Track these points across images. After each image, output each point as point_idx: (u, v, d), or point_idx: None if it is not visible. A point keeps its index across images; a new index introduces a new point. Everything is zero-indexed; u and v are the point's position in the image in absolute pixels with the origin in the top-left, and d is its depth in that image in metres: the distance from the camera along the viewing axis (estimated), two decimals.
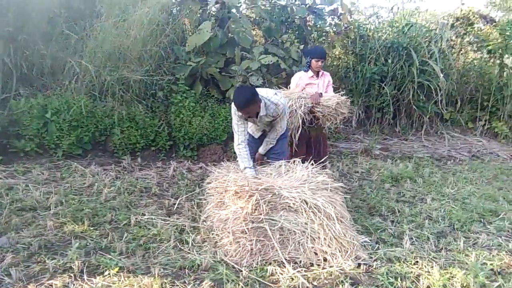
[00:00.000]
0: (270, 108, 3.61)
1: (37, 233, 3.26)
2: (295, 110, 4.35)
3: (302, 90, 4.57)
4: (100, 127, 5.21)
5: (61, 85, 5.46)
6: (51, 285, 2.61)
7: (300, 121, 4.36)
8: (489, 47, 8.16)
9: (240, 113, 3.56)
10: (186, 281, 2.79)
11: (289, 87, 4.73)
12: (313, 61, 4.52)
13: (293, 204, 3.21)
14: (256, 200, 3.14)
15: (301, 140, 4.48)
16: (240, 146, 3.68)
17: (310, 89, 4.57)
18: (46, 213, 3.61)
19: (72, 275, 2.75)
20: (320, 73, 4.64)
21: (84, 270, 2.81)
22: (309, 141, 4.70)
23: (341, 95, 4.54)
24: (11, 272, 2.68)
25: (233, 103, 3.59)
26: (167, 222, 3.61)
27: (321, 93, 4.52)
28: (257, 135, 4.03)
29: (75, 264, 2.83)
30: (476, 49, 8.59)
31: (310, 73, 4.60)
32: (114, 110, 5.36)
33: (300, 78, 4.63)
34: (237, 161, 3.77)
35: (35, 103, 4.97)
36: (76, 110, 5.02)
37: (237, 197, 3.24)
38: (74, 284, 2.63)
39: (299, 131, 4.40)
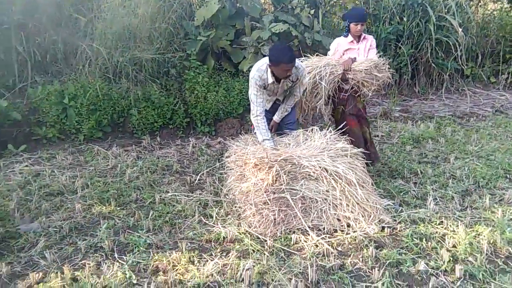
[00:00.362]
0: (293, 71, 3.56)
1: (67, 216, 3.37)
2: (319, 81, 3.99)
3: (341, 57, 4.22)
4: (118, 109, 5.26)
5: (75, 69, 5.50)
6: (84, 265, 2.72)
7: (325, 92, 4.00)
8: None
9: (262, 80, 3.56)
10: (213, 254, 2.86)
11: (328, 54, 4.36)
12: (352, 25, 4.08)
13: (313, 172, 3.21)
14: (276, 171, 3.15)
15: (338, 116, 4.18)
16: (258, 118, 3.66)
17: (349, 55, 4.19)
18: (73, 196, 3.71)
19: (103, 254, 2.85)
20: (362, 37, 4.18)
21: (115, 249, 2.91)
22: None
23: (379, 57, 4.13)
24: (45, 255, 2.80)
25: (251, 73, 3.59)
26: (190, 198, 3.67)
27: (354, 58, 4.12)
28: (268, 106, 3.99)
29: (105, 244, 2.93)
30: None
31: (349, 38, 4.18)
32: (129, 91, 5.39)
33: (338, 44, 4.24)
34: (255, 133, 3.77)
35: (52, 90, 5.04)
36: (92, 93, 5.07)
37: (257, 169, 3.26)
38: (106, 263, 2.73)
39: (329, 105, 4.16)
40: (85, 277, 2.57)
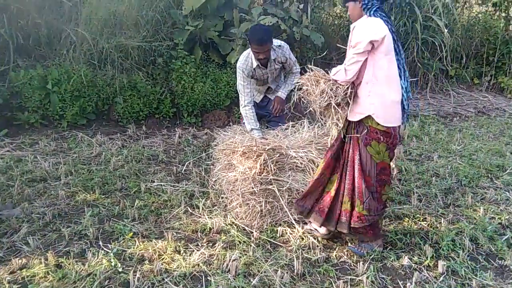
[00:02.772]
0: (277, 51, 3.56)
1: (50, 203, 3.30)
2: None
3: None
4: (102, 96, 5.16)
5: (59, 54, 5.36)
6: (69, 252, 2.67)
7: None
8: (494, 0, 7.92)
9: (248, 67, 3.56)
10: (199, 244, 2.85)
11: None
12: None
13: (301, 163, 3.23)
14: (264, 160, 3.15)
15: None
16: (246, 108, 3.65)
17: None
18: (57, 183, 3.64)
19: (87, 241, 2.81)
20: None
21: (99, 237, 2.87)
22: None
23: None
24: (28, 241, 2.74)
25: (238, 63, 3.60)
26: (176, 188, 3.65)
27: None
28: (259, 98, 3.97)
29: (90, 231, 2.88)
30: (480, 2, 8.34)
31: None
32: (114, 79, 5.29)
33: None
34: (243, 123, 3.76)
35: (35, 74, 4.90)
36: (76, 80, 4.96)
37: (245, 158, 3.25)
38: (90, 250, 2.68)
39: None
40: (69, 264, 2.53)
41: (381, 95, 2.50)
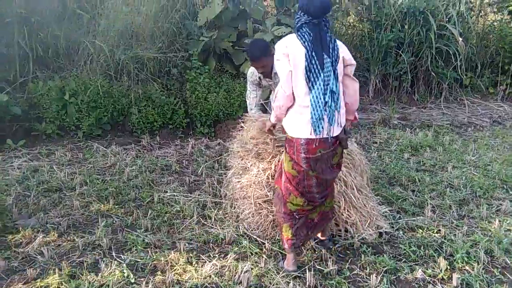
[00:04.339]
0: None
1: (65, 213, 3.36)
2: None
3: None
4: (118, 107, 5.25)
5: (77, 66, 5.49)
6: (82, 262, 2.71)
7: None
8: (510, 8, 7.83)
9: (254, 76, 3.65)
10: (211, 255, 2.86)
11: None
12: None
13: None
14: (278, 161, 3.16)
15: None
16: (253, 111, 3.82)
17: None
18: (72, 193, 3.70)
19: (101, 252, 2.85)
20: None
21: (112, 247, 2.91)
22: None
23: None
24: (43, 251, 2.79)
25: (247, 72, 3.73)
26: (189, 198, 3.68)
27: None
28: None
29: (103, 242, 2.92)
30: (496, 10, 8.25)
31: None
32: (130, 90, 5.38)
33: None
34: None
35: (53, 86, 5.02)
36: (93, 91, 5.06)
37: (259, 160, 3.26)
38: (104, 261, 2.72)
39: None
40: (83, 275, 2.57)
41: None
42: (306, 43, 2.41)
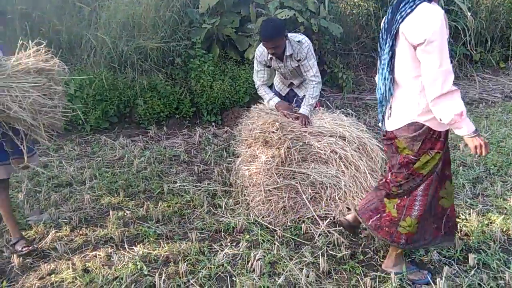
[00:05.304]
0: (295, 47, 3.45)
1: (76, 207, 3.37)
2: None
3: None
4: (124, 99, 5.23)
5: (80, 59, 5.46)
6: (95, 256, 2.72)
7: None
8: None
9: (262, 57, 3.55)
10: (223, 244, 2.85)
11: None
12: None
13: (324, 154, 3.20)
14: (288, 147, 3.13)
15: None
16: (260, 88, 3.76)
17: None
18: (82, 187, 3.71)
19: (113, 245, 2.86)
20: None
21: (125, 240, 2.91)
22: None
23: None
24: (56, 246, 2.80)
25: (255, 51, 3.61)
26: (198, 188, 3.66)
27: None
28: (284, 91, 3.92)
29: (115, 235, 2.93)
30: None
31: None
32: (135, 81, 5.34)
33: None
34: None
35: None
36: (98, 84, 5.04)
37: (267, 147, 3.23)
38: (116, 254, 2.73)
39: None
40: (96, 268, 2.58)
41: None
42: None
